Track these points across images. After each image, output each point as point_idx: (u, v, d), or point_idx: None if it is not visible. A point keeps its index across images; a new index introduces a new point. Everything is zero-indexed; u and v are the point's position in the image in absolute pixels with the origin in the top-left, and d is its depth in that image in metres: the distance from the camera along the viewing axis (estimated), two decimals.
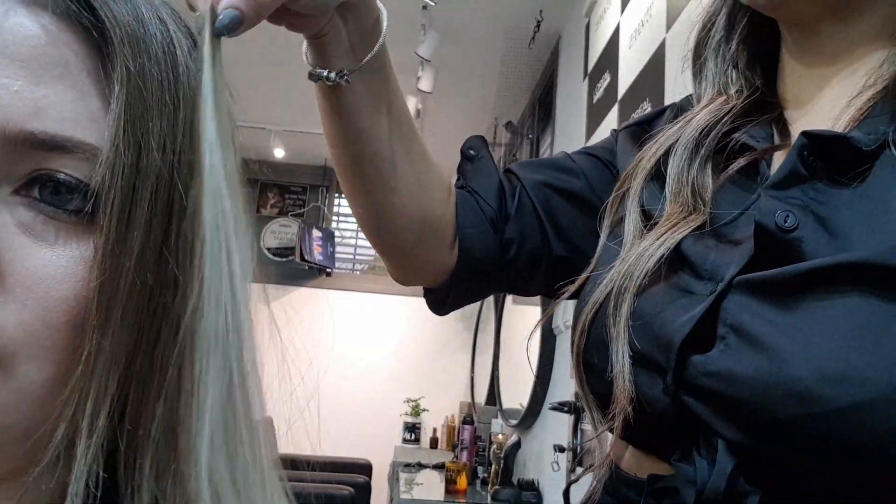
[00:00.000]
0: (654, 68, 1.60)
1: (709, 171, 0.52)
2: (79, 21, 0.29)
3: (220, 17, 0.35)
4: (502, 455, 2.62)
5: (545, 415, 2.44)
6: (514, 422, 2.84)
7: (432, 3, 2.38)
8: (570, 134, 2.46)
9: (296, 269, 4.41)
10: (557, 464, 2.06)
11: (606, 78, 2.02)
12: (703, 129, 0.54)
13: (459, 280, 0.64)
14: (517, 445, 2.65)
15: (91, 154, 0.27)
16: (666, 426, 0.44)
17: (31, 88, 0.27)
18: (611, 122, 1.93)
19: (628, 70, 1.81)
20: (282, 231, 4.59)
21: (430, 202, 0.61)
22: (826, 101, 0.52)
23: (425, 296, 0.68)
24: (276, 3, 0.40)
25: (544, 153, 3.05)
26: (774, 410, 0.38)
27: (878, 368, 0.36)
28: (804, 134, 0.45)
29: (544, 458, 2.32)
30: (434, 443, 4.28)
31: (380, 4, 0.52)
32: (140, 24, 0.29)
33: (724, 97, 0.56)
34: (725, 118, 0.54)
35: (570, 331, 0.56)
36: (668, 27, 1.53)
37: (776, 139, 0.52)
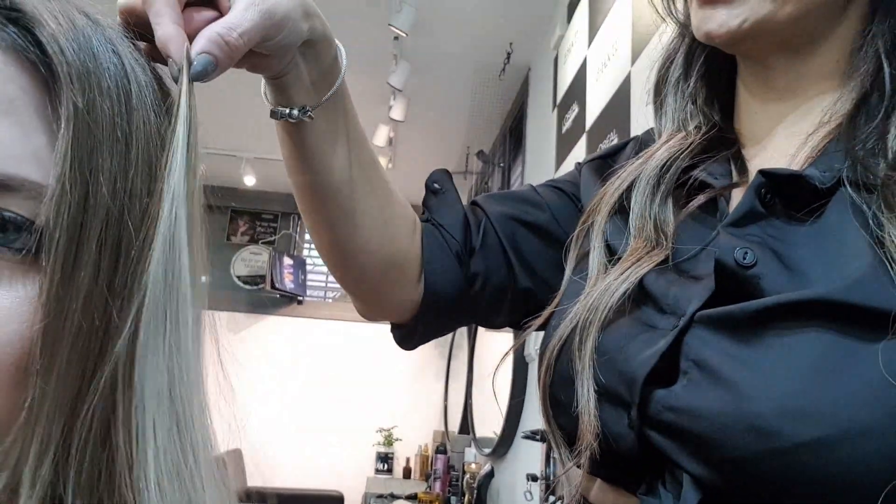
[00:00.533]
0: (620, 100, 1.63)
1: (670, 206, 0.53)
2: (26, 56, 0.28)
3: (195, 63, 0.36)
4: (475, 485, 2.59)
5: (518, 443, 2.43)
6: (487, 450, 2.82)
7: (404, 35, 2.41)
8: (541, 163, 2.50)
9: (266, 297, 4.36)
10: (530, 493, 2.05)
11: (575, 109, 2.06)
12: (663, 166, 0.55)
13: (426, 315, 0.64)
14: (490, 475, 2.63)
15: (36, 192, 0.26)
16: (632, 460, 0.44)
17: None
18: (579, 151, 1.96)
19: (595, 102, 1.85)
20: (252, 259, 4.55)
21: (394, 236, 0.61)
22: (782, 138, 0.53)
23: (392, 331, 0.68)
24: (248, 45, 0.41)
25: (515, 181, 3.08)
26: (736, 446, 0.38)
27: (837, 404, 0.36)
28: (761, 172, 0.46)
29: (517, 487, 2.30)
30: (407, 472, 4.22)
31: (337, 42, 0.53)
32: (91, 57, 0.29)
33: (684, 133, 0.57)
34: (685, 154, 0.55)
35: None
36: (633, 61, 1.57)
37: (734, 176, 0.53)
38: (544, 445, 2.01)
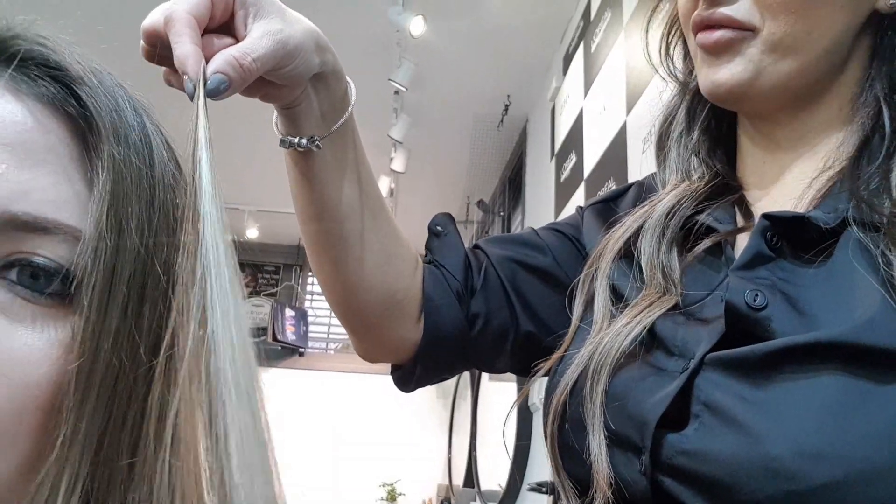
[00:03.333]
0: (617, 149, 1.66)
1: (674, 253, 0.53)
2: (64, 109, 0.30)
3: (209, 81, 0.39)
4: None
5: (524, 496, 2.38)
6: (493, 503, 2.75)
7: (404, 89, 2.47)
8: (540, 212, 2.52)
9: (268, 349, 4.33)
10: None
11: (572, 158, 2.09)
12: (668, 213, 0.55)
13: (426, 355, 0.63)
14: None
15: (72, 236, 0.28)
16: None
17: (16, 172, 0.27)
18: (578, 199, 1.98)
19: (592, 151, 1.88)
20: (254, 311, 4.54)
21: (397, 275, 0.61)
22: (787, 183, 0.53)
23: (392, 372, 0.67)
24: (261, 70, 0.43)
25: (515, 230, 3.10)
26: (752, 489, 0.38)
27: (853, 445, 0.36)
28: (764, 216, 0.47)
29: None
30: None
31: (348, 77, 0.55)
32: (119, 114, 0.31)
33: (688, 182, 0.58)
34: (689, 201, 0.56)
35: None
36: (629, 110, 1.60)
37: (739, 221, 0.54)
38: (550, 498, 1.96)
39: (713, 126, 0.60)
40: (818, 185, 0.49)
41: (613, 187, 1.66)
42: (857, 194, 0.46)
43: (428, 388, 0.71)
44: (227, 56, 0.41)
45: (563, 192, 2.17)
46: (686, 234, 0.54)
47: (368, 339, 0.65)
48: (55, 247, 0.27)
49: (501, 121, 2.89)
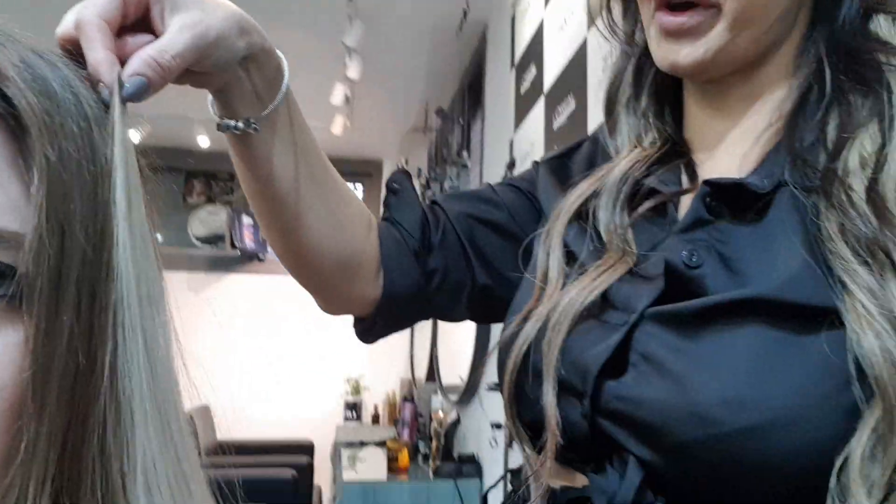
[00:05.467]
0: (577, 65, 1.69)
1: (626, 215, 0.55)
2: None
3: (127, 85, 0.37)
4: (443, 432, 2.73)
5: (483, 392, 2.55)
6: (453, 397, 2.94)
7: None
8: (500, 122, 2.55)
9: (227, 255, 4.35)
10: (495, 440, 2.19)
11: (532, 70, 2.11)
12: (622, 178, 0.57)
13: (385, 311, 0.66)
14: (457, 422, 2.77)
15: (16, 241, 0.27)
16: (585, 445, 0.48)
17: None
18: (537, 114, 2.02)
19: (553, 64, 1.90)
20: (210, 219, 4.51)
21: (350, 239, 0.63)
22: (734, 142, 0.56)
23: (354, 325, 0.70)
24: (182, 66, 0.42)
25: (475, 138, 3.13)
26: (680, 432, 0.42)
27: (773, 394, 0.40)
28: (705, 182, 0.51)
29: (483, 433, 2.44)
30: (376, 419, 4.36)
31: (279, 53, 0.53)
32: (54, 101, 0.29)
33: (640, 148, 0.60)
34: (640, 166, 0.58)
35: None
36: (589, 26, 1.62)
37: (685, 183, 0.57)
38: None
39: (660, 91, 0.62)
40: (762, 141, 0.53)
41: (573, 105, 1.71)
42: (793, 150, 0.49)
43: None
44: (143, 56, 0.39)
45: (523, 105, 2.20)
46: (635, 195, 0.56)
47: (327, 298, 0.67)
48: (2, 253, 0.27)
49: (460, 27, 2.84)
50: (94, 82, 0.35)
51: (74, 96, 0.31)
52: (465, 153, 3.04)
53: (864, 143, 0.46)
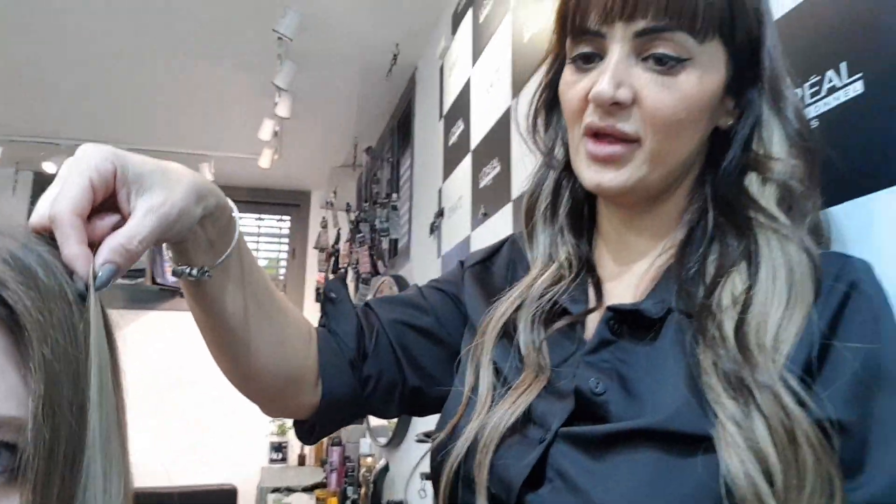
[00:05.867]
0: (503, 130, 1.72)
1: (542, 331, 0.63)
2: None
3: (100, 274, 0.40)
4: (372, 478, 2.69)
5: (412, 439, 2.54)
6: (382, 440, 2.92)
7: (289, 40, 2.38)
8: (429, 168, 2.57)
9: (147, 291, 4.18)
10: (424, 490, 2.17)
11: (460, 125, 2.14)
12: (540, 296, 0.64)
13: (324, 415, 0.70)
14: (385, 469, 2.74)
15: (16, 425, 0.31)
16: None
17: None
18: (465, 168, 2.04)
19: (480, 124, 1.93)
20: None
21: (293, 354, 0.67)
22: (634, 262, 0.65)
23: (294, 426, 0.74)
24: (147, 248, 0.45)
25: (405, 175, 3.13)
26: None
27: None
28: (609, 308, 0.59)
29: (412, 483, 2.42)
30: (302, 460, 4.26)
31: (231, 204, 0.56)
32: (43, 297, 0.33)
33: (556, 264, 0.67)
34: (555, 284, 0.65)
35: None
36: (514, 95, 1.66)
37: (592, 301, 0.64)
38: None
39: (576, 209, 0.69)
40: (655, 268, 0.61)
41: (498, 168, 1.74)
42: (680, 278, 0.57)
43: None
44: (113, 244, 0.42)
45: (452, 157, 2.22)
46: (551, 309, 0.64)
47: (270, 406, 0.71)
48: (2, 433, 0.31)
49: (390, 70, 2.85)
50: (69, 272, 0.38)
51: (58, 284, 0.35)
52: (395, 195, 3.04)
53: (736, 282, 0.54)
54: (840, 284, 0.52)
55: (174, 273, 0.56)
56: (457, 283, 0.77)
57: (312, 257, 4.66)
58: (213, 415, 4.21)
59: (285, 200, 4.81)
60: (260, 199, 4.72)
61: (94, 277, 0.39)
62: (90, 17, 2.53)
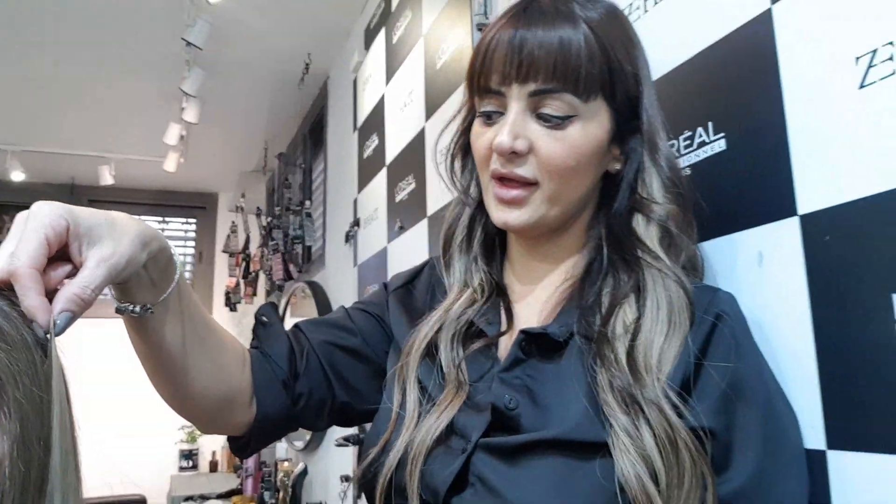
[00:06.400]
0: (417, 149, 1.80)
1: (461, 350, 0.71)
2: None
3: (58, 322, 0.44)
4: (290, 483, 2.72)
5: (330, 442, 2.59)
6: (299, 444, 2.95)
7: (199, 49, 2.36)
8: (344, 177, 2.61)
9: None
10: (345, 493, 2.24)
11: (375, 139, 2.20)
12: (458, 318, 0.73)
13: (258, 431, 0.76)
14: (304, 473, 2.77)
15: None
16: None
17: None
18: (380, 182, 2.11)
19: (394, 141, 2.00)
20: None
21: (228, 377, 0.72)
22: (541, 287, 0.74)
23: (228, 442, 0.79)
24: (99, 294, 0.50)
25: (317, 180, 3.16)
26: None
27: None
28: (521, 331, 0.67)
29: (331, 486, 2.48)
30: (214, 466, 4.20)
31: (171, 245, 0.61)
32: (13, 347, 0.37)
33: (471, 289, 0.76)
34: (470, 307, 0.75)
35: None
36: (427, 117, 1.74)
37: (504, 323, 0.73)
38: (356, 448, 2.20)
39: (488, 241, 0.79)
40: (558, 294, 0.71)
41: (413, 185, 1.83)
42: (580, 306, 0.67)
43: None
44: (69, 294, 0.46)
45: (367, 169, 2.28)
46: (468, 330, 0.72)
47: (207, 426, 0.75)
48: None
49: (302, 78, 2.87)
50: (28, 322, 0.42)
51: (21, 335, 0.38)
52: (308, 202, 3.07)
53: (627, 313, 0.64)
54: (708, 316, 0.63)
55: (118, 310, 0.58)
56: (381, 305, 0.84)
57: (221, 260, 4.58)
58: (118, 425, 4.07)
59: (191, 203, 4.69)
60: (165, 201, 4.59)
61: (54, 325, 0.43)
62: None
